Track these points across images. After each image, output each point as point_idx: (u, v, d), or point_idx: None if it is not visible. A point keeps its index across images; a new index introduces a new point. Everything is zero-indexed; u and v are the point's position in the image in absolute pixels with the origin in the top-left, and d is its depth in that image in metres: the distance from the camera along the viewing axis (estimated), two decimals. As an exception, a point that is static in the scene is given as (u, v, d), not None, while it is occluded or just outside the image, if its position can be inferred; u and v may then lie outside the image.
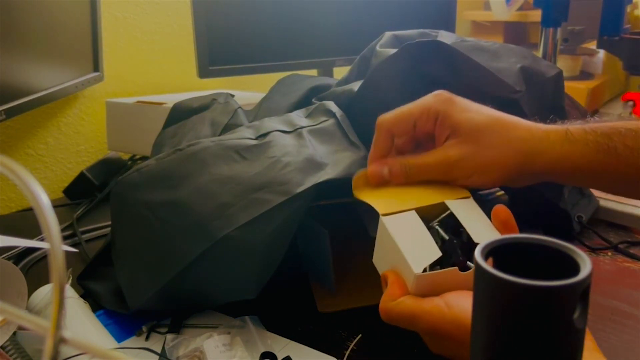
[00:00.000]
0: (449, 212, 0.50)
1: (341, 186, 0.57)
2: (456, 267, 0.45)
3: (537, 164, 0.50)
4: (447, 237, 0.48)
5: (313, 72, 1.14)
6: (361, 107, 0.65)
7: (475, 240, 0.46)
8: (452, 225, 0.49)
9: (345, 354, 0.53)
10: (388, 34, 0.72)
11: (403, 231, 0.47)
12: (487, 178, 0.50)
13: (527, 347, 0.25)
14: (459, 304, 0.42)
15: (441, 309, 0.43)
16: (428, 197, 0.51)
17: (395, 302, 0.45)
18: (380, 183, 0.53)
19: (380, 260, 0.50)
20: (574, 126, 0.51)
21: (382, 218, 0.49)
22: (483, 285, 0.26)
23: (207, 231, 0.53)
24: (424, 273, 0.44)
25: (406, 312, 0.44)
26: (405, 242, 0.46)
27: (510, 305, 0.25)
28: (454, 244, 0.47)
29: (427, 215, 0.50)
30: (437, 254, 0.46)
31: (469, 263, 0.46)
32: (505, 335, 0.26)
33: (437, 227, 0.49)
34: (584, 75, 1.64)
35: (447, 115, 0.50)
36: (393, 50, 0.63)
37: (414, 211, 0.49)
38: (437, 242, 0.47)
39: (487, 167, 0.50)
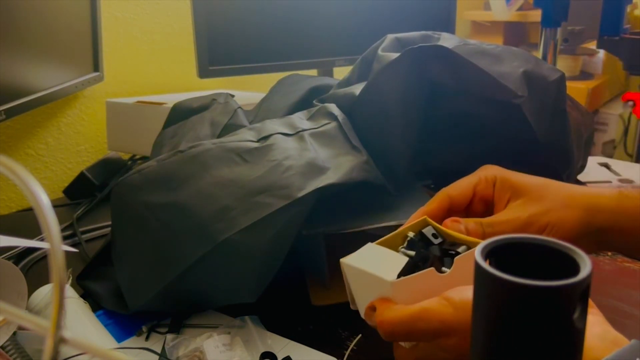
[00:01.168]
0: (409, 237, 0.49)
1: (342, 190, 0.57)
2: (433, 268, 0.44)
3: (599, 219, 0.52)
4: (412, 253, 0.47)
5: (313, 72, 1.14)
6: (363, 111, 0.65)
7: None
8: (419, 246, 0.49)
9: (345, 354, 0.53)
10: (390, 37, 0.72)
11: (366, 260, 0.46)
12: (558, 235, 0.51)
13: (527, 347, 0.25)
14: (458, 295, 0.42)
15: (440, 302, 0.42)
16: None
17: (391, 309, 0.44)
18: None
19: (363, 305, 0.48)
20: (626, 188, 0.54)
21: (342, 261, 0.47)
22: (483, 285, 0.26)
23: (208, 234, 0.53)
24: (399, 279, 0.43)
25: (406, 314, 0.43)
26: (372, 265, 0.45)
27: (510, 305, 0.25)
28: (423, 253, 0.47)
29: (392, 243, 0.49)
30: (403, 260, 0.45)
31: (443, 268, 0.45)
32: (505, 335, 0.26)
33: (402, 251, 0.48)
34: (584, 75, 1.64)
35: (505, 179, 0.53)
36: (395, 55, 0.63)
37: (370, 243, 0.48)
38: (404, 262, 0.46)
39: (556, 225, 0.51)
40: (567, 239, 0.49)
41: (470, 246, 0.47)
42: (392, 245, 0.49)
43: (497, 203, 0.53)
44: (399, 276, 0.44)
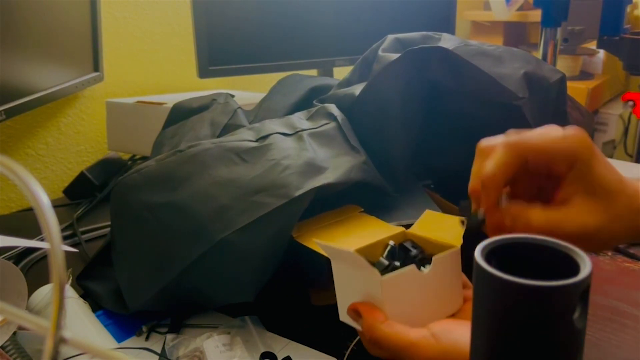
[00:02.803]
0: (390, 246, 0.51)
1: (340, 190, 0.57)
2: (414, 265, 0.46)
3: None
4: (397, 263, 0.49)
5: (313, 72, 1.14)
6: (363, 112, 0.65)
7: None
8: (399, 254, 0.51)
9: (345, 354, 0.53)
10: (390, 38, 0.72)
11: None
12: (610, 246, 0.47)
13: (527, 346, 0.25)
14: (447, 336, 0.42)
15: (428, 340, 0.43)
16: (368, 236, 0.52)
17: (379, 329, 0.44)
18: (496, 231, 0.45)
19: (346, 299, 0.50)
20: None
21: (332, 260, 0.49)
22: (483, 285, 0.26)
23: (206, 234, 0.53)
24: (387, 275, 0.45)
25: (394, 342, 0.44)
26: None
27: (510, 305, 0.25)
28: (407, 256, 0.50)
29: (372, 253, 0.51)
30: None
31: (422, 267, 0.48)
32: (505, 335, 0.26)
33: (383, 260, 0.50)
34: (584, 75, 1.64)
35: (588, 167, 0.43)
36: (395, 55, 0.63)
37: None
38: (389, 267, 0.49)
39: (616, 239, 0.45)
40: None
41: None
42: (373, 253, 0.51)
43: (564, 184, 0.44)
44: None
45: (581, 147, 0.44)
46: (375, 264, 0.50)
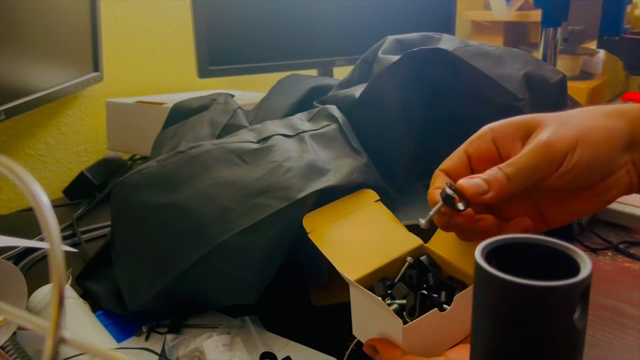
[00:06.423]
0: (407, 263, 0.51)
1: (342, 192, 0.57)
2: (436, 309, 0.45)
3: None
4: (416, 290, 0.49)
5: (313, 72, 1.14)
6: (363, 113, 0.65)
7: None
8: (417, 275, 0.51)
9: (345, 354, 0.53)
10: (390, 39, 0.71)
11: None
12: (593, 154, 0.42)
13: (527, 347, 0.25)
14: (465, 359, 0.42)
15: None
16: (386, 250, 0.52)
17: (401, 359, 0.44)
18: (480, 198, 0.44)
19: (361, 328, 0.50)
20: None
21: (352, 287, 0.49)
22: (483, 285, 0.26)
23: (207, 235, 0.53)
24: (409, 323, 0.45)
25: None
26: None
27: (510, 305, 0.25)
28: (425, 295, 0.49)
29: (389, 269, 0.51)
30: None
31: (444, 305, 0.47)
32: (505, 335, 0.26)
33: (402, 287, 0.50)
34: (584, 75, 1.64)
35: (506, 123, 0.45)
36: (395, 57, 0.63)
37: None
38: (405, 295, 0.48)
39: (589, 139, 0.42)
40: (606, 157, 0.43)
41: (465, 280, 0.50)
42: (391, 269, 0.51)
43: (510, 152, 0.45)
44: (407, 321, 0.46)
45: (484, 127, 0.46)
46: (394, 285, 0.49)
